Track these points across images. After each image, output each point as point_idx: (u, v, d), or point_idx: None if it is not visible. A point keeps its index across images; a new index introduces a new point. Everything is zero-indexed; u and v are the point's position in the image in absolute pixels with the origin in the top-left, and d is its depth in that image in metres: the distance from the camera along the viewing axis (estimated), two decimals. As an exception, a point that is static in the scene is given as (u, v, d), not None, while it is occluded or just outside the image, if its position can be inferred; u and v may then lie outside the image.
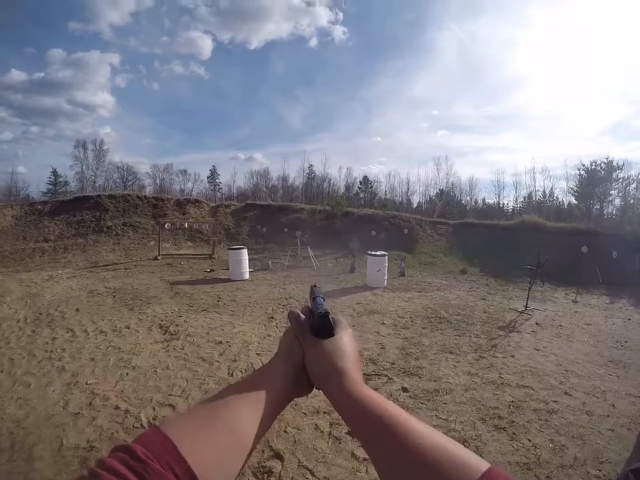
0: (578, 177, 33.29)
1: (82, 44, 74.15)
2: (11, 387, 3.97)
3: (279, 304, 7.85)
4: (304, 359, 0.60)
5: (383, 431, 0.46)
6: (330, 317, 0.62)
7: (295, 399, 0.61)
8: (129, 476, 0.34)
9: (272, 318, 6.81)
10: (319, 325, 0.61)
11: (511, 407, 3.80)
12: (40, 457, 2.87)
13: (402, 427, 0.45)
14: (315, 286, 0.77)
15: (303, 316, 0.65)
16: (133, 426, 3.37)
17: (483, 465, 0.39)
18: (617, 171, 30.80)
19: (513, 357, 5.17)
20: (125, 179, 45.78)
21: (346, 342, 0.61)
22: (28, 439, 3.09)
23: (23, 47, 70.49)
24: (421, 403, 3.86)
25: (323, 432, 3.29)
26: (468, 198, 48.24)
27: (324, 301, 0.68)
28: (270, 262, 13.28)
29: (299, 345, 0.62)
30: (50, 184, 43.15)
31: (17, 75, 61.49)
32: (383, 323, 6.58)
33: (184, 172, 51.65)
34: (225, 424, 0.47)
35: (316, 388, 0.60)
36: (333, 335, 0.61)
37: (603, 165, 30.80)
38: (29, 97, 64.84)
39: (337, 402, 0.54)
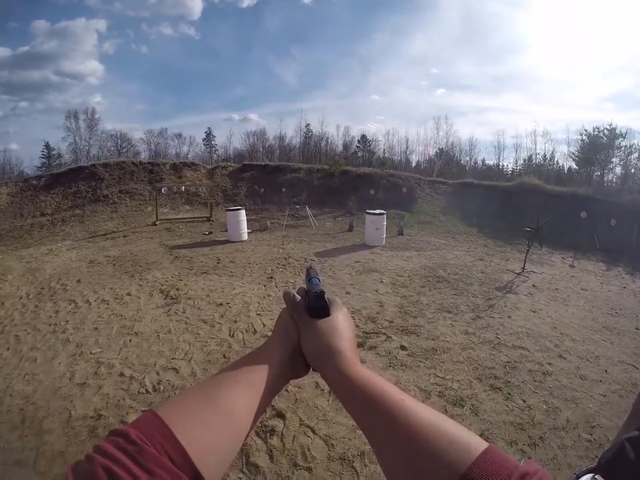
0: (580, 142, 32.57)
1: (66, 12, 70.47)
2: (17, 364, 4.03)
3: (278, 264, 7.91)
4: (300, 340, 0.59)
5: (379, 410, 0.46)
6: (325, 296, 0.62)
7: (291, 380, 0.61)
8: (123, 459, 0.34)
9: (271, 278, 6.88)
10: (314, 305, 0.61)
11: (507, 367, 3.89)
12: (50, 430, 2.97)
13: (399, 406, 0.45)
14: (311, 267, 0.75)
15: (298, 297, 0.65)
16: (138, 392, 3.48)
17: (481, 444, 0.38)
18: (620, 139, 30.10)
19: (509, 317, 5.25)
20: (119, 147, 44.70)
21: (341, 322, 0.60)
22: (37, 413, 3.18)
23: (5, 22, 66.75)
24: (419, 361, 3.95)
25: (324, 390, 3.39)
26: (467, 158, 47.33)
27: (320, 281, 0.67)
28: (268, 222, 13.29)
29: (294, 326, 0.61)
30: (43, 158, 42.11)
31: (1, 52, 58.67)
32: (382, 282, 6.66)
33: (179, 135, 50.35)
34: (220, 407, 0.46)
35: (312, 369, 0.60)
36: (329, 315, 0.60)
37: (605, 131, 30.05)
38: (15, 73, 61.60)
39: (333, 382, 0.54)
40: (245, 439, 0.48)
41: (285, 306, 0.65)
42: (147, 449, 0.36)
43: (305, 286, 0.69)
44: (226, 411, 0.46)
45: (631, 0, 62.39)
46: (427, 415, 0.43)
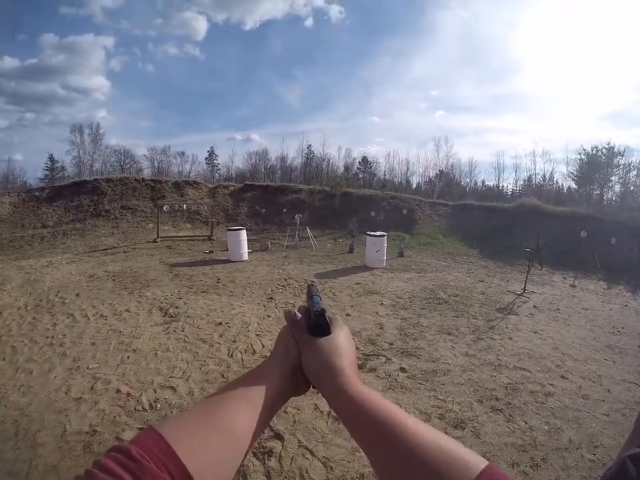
0: (578, 161, 32.89)
1: (75, 28, 72.75)
2: (13, 375, 3.99)
3: (278, 284, 7.87)
4: (300, 358, 0.60)
5: (379, 429, 0.46)
6: (326, 314, 0.62)
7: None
8: (124, 475, 0.34)
9: (271, 299, 6.84)
10: (315, 323, 0.61)
11: (508, 388, 3.85)
12: (43, 444, 2.91)
13: (399, 425, 0.45)
14: (313, 285, 0.76)
15: (299, 315, 0.65)
16: (134, 409, 3.41)
17: (481, 463, 0.38)
18: (618, 157, 30.42)
19: (510, 339, 5.21)
20: (122, 162, 45.35)
21: (342, 340, 0.60)
22: (31, 425, 3.13)
23: (15, 33, 68.80)
24: (419, 384, 3.90)
25: (323, 412, 3.34)
26: (467, 180, 47.98)
27: (321, 299, 0.67)
28: (269, 242, 13.29)
29: (295, 343, 0.61)
30: (47, 170, 42.81)
31: (9, 62, 60.22)
32: (382, 304, 6.62)
33: (182, 154, 51.21)
34: (220, 425, 0.47)
35: (313, 387, 0.60)
36: (330, 333, 0.60)
37: (604, 150, 30.37)
38: (23, 84, 63.87)
39: (334, 401, 0.54)
40: (245, 456, 0.48)
41: (285, 324, 0.66)
42: (148, 465, 0.36)
43: (306, 304, 0.70)
44: (226, 428, 0.47)
45: (627, 19, 64.23)
46: (428, 434, 0.44)
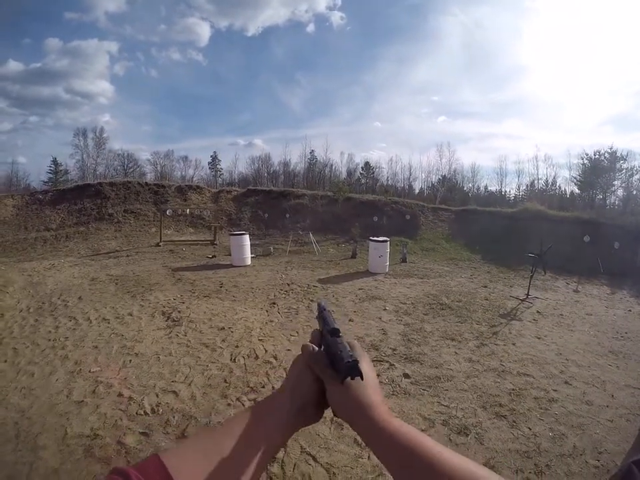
0: (581, 166, 33.12)
1: (79, 33, 73.08)
2: (14, 377, 4.00)
3: (281, 289, 7.87)
4: (313, 390, 0.59)
5: (415, 464, 0.46)
6: (358, 363, 0.57)
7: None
8: None
9: (274, 304, 6.83)
10: (349, 375, 0.56)
11: (512, 394, 3.82)
12: (44, 446, 2.90)
13: (435, 459, 0.45)
14: (325, 310, 0.72)
15: (316, 348, 0.64)
16: (136, 413, 3.40)
17: None
18: (621, 162, 30.63)
19: (514, 344, 5.18)
20: (125, 166, 45.78)
21: (367, 372, 0.59)
22: (32, 428, 3.12)
23: (20, 38, 69.54)
24: (423, 390, 3.88)
25: (325, 417, 3.28)
26: (470, 185, 48.03)
27: (333, 319, 0.65)
28: (272, 247, 13.31)
29: (310, 376, 0.60)
30: (50, 173, 43.14)
31: (14, 66, 61.10)
32: (385, 309, 6.60)
33: (185, 158, 51.57)
34: (225, 459, 0.47)
35: (343, 420, 0.58)
36: (362, 379, 0.57)
37: (606, 155, 30.57)
38: (27, 87, 65.03)
39: (367, 435, 0.53)
40: None
41: (300, 353, 0.65)
42: None
43: (318, 326, 0.68)
44: (231, 463, 0.47)
45: (626, 24, 64.49)
46: (465, 467, 0.44)
